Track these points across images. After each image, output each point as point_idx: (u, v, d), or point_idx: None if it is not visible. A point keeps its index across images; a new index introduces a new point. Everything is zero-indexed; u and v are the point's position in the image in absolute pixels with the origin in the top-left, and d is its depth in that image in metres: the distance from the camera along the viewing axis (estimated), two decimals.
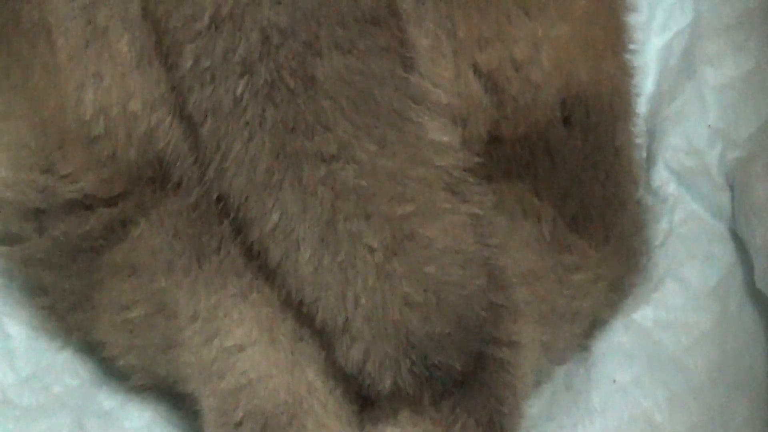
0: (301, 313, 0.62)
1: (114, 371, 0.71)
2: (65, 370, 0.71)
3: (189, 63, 0.63)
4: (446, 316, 0.61)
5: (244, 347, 0.63)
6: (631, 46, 0.74)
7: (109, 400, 0.71)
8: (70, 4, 0.67)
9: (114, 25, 0.66)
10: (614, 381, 0.69)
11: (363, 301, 0.61)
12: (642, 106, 0.77)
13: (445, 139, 0.63)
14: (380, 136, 0.62)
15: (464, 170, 0.63)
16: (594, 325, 0.69)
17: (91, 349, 0.72)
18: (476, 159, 0.64)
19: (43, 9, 0.69)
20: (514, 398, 0.63)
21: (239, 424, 0.63)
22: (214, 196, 0.63)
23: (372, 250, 0.61)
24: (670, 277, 0.70)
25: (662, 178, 0.75)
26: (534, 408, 0.67)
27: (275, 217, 0.62)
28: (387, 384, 0.61)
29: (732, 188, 0.74)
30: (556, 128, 0.67)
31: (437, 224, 0.62)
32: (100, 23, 0.66)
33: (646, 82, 0.79)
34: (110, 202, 0.67)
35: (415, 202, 0.62)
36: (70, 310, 0.70)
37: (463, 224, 0.63)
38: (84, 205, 0.67)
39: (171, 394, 0.69)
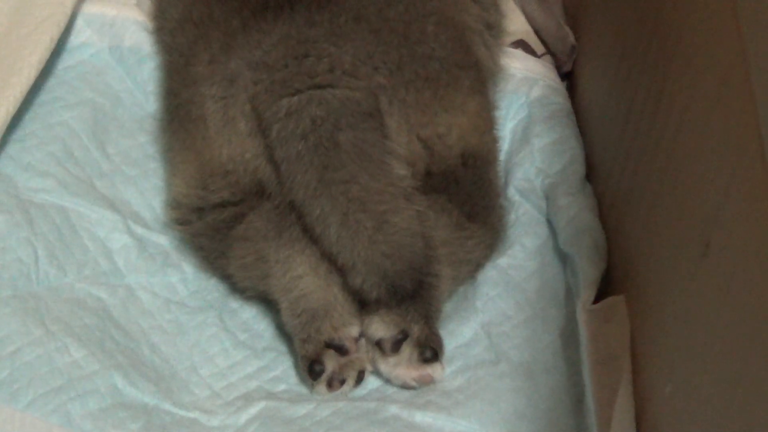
0: (331, 259, 0.82)
1: (237, 288, 0.89)
2: (212, 288, 0.89)
3: (274, 134, 0.82)
4: (404, 261, 0.81)
5: (302, 276, 0.83)
6: (497, 126, 0.94)
7: (235, 302, 0.89)
8: (214, 105, 0.86)
9: (237, 115, 0.85)
10: (487, 294, 0.89)
11: (362, 254, 0.80)
12: (502, 156, 0.97)
13: (403, 172, 0.84)
14: (371, 171, 0.82)
15: (413, 188, 0.84)
16: (478, 267, 0.89)
17: (226, 278, 0.89)
18: (419, 183, 0.85)
19: (201, 107, 0.86)
20: (438, 303, 0.84)
21: (299, 314, 0.83)
22: (287, 201, 0.84)
23: (366, 228, 0.80)
24: (517, 243, 0.91)
25: (512, 193, 0.94)
26: (447, 307, 0.86)
27: (318, 211, 0.81)
28: (373, 296, 0.81)
29: (547, 198, 0.93)
30: (459, 168, 0.87)
31: (399, 215, 0.82)
32: (230, 114, 0.85)
33: (504, 145, 0.97)
34: (235, 203, 0.86)
35: (388, 204, 0.82)
36: (216, 259, 0.88)
37: (411, 216, 0.83)
38: (222, 205, 0.86)
39: (266, 300, 0.87)
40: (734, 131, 0.61)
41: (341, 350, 0.82)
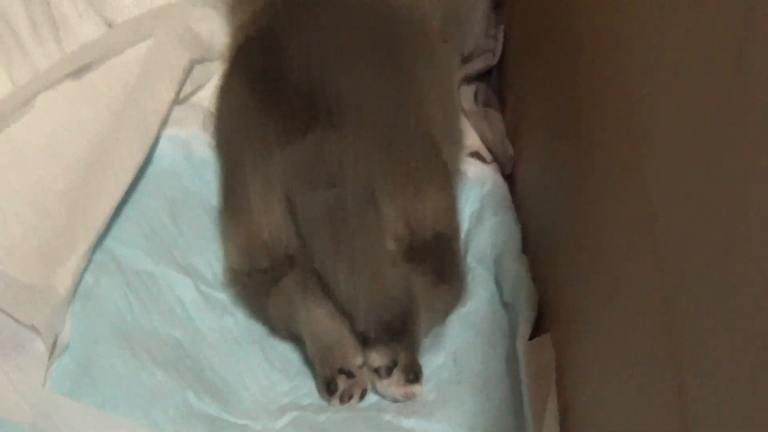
0: (341, 308, 0.80)
1: (275, 329, 0.86)
2: (257, 328, 0.87)
3: (301, 218, 0.81)
4: (393, 310, 0.79)
5: (320, 321, 0.80)
6: (459, 212, 0.91)
7: (273, 339, 0.87)
8: (257, 197, 0.84)
9: (274, 204, 0.83)
10: (453, 333, 0.86)
11: (363, 305, 0.79)
12: (463, 234, 0.93)
13: (392, 245, 0.82)
14: (370, 245, 0.81)
15: (400, 257, 0.82)
16: (446, 314, 0.87)
17: (266, 321, 0.87)
18: (404, 253, 0.83)
19: (248, 199, 0.85)
20: (418, 340, 0.82)
21: (319, 348, 0.81)
22: (311, 267, 0.81)
23: (366, 287, 0.79)
24: (474, 296, 0.89)
25: (470, 260, 0.92)
26: (424, 343, 0.84)
27: (332, 274, 0.79)
28: (371, 335, 0.80)
29: (495, 264, 0.91)
30: (433, 243, 0.84)
31: (390, 277, 0.80)
32: (269, 203, 0.83)
33: (464, 225, 0.94)
34: (273, 269, 0.83)
35: (382, 268, 0.80)
36: (259, 309, 0.86)
37: (399, 277, 0.81)
38: (264, 271, 0.84)
39: (295, 337, 0.85)
40: (628, 212, 0.61)
41: (349, 374, 0.81)
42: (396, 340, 0.80)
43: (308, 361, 0.83)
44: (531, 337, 0.82)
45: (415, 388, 0.80)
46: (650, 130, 0.57)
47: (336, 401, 0.80)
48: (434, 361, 0.84)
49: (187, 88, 1.02)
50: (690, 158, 0.48)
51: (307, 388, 0.83)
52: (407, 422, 0.78)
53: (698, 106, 0.47)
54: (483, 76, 1.10)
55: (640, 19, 0.58)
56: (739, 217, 0.41)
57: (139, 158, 0.91)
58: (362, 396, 0.80)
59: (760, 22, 0.39)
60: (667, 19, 0.54)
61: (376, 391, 0.81)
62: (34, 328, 0.76)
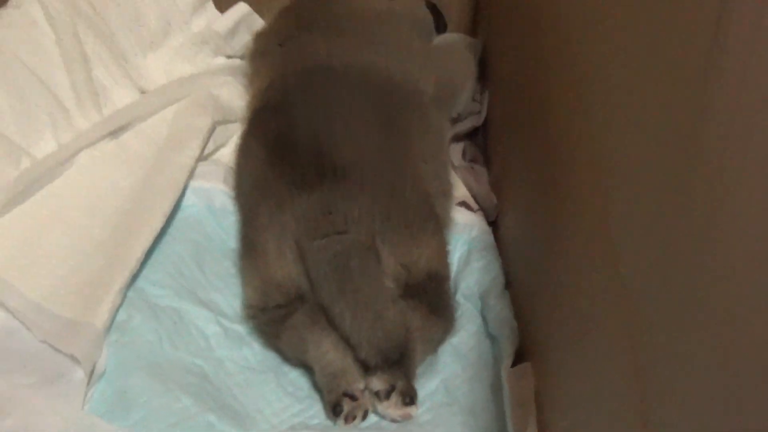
0: (345, 340, 0.79)
1: (286, 358, 0.85)
2: (271, 358, 0.86)
3: (310, 262, 0.81)
4: (392, 342, 0.78)
5: (327, 351, 0.79)
6: (449, 256, 0.90)
7: (286, 367, 0.85)
8: (272, 244, 0.84)
9: (286, 250, 0.83)
10: (444, 361, 0.85)
11: (365, 337, 0.78)
12: (453, 275, 0.92)
13: (390, 285, 0.82)
14: (371, 285, 0.80)
15: (397, 295, 0.82)
16: (438, 345, 0.86)
17: (279, 351, 0.85)
18: (401, 292, 0.83)
19: (264, 245, 0.85)
20: (414, 367, 0.81)
21: (326, 375, 0.79)
22: (318, 304, 0.81)
23: (368, 321, 0.78)
24: (462, 329, 0.88)
25: (459, 297, 0.91)
26: (419, 370, 0.83)
27: (337, 310, 0.79)
28: (372, 363, 0.79)
29: (481, 300, 0.90)
30: (426, 282, 0.84)
31: (389, 312, 0.79)
32: (282, 249, 0.83)
33: (453, 267, 0.93)
34: (286, 306, 0.83)
35: (381, 305, 0.79)
36: (273, 340, 0.85)
37: (396, 313, 0.80)
38: (278, 307, 0.83)
39: (305, 365, 0.83)
40: (596, 258, 0.61)
41: (353, 398, 0.80)
42: (394, 367, 0.79)
43: (316, 386, 0.83)
44: (513, 365, 0.82)
45: (411, 410, 0.79)
46: (614, 187, 0.56)
47: (341, 421, 0.79)
48: (428, 386, 0.83)
49: (210, 147, 1.03)
50: (649, 213, 0.48)
51: (315, 410, 0.82)
52: None
53: (654, 168, 0.47)
54: (470, 135, 1.11)
55: (606, 92, 0.58)
56: (695, 268, 0.41)
57: (167, 208, 0.91)
58: (364, 416, 0.79)
59: (716, 94, 0.39)
60: (628, 95, 0.55)
61: (376, 412, 0.81)
62: (74, 358, 0.76)
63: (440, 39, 1.13)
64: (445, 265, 0.88)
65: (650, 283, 0.48)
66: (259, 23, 1.13)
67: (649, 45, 0.48)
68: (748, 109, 0.35)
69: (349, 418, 0.79)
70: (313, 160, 0.85)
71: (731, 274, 0.37)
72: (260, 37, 1.07)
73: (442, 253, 0.88)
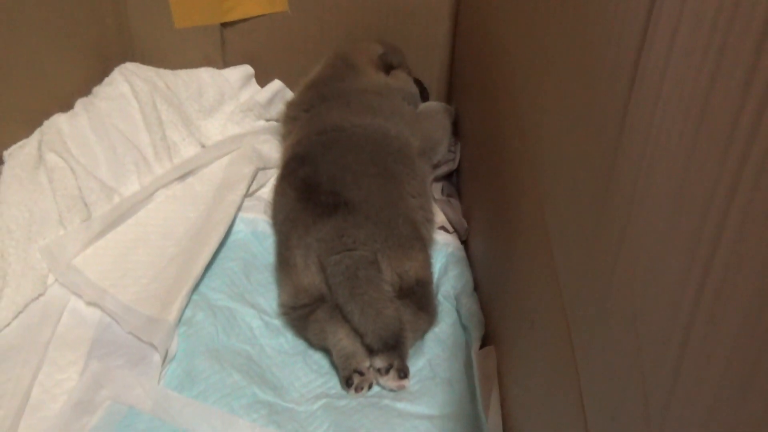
0: (355, 330, 0.77)
1: (311, 344, 0.81)
2: (300, 344, 0.82)
3: (328, 273, 0.79)
4: (390, 331, 0.76)
5: (342, 339, 0.78)
6: (432, 266, 0.86)
7: (311, 350, 0.82)
8: (300, 259, 0.82)
9: (311, 264, 0.81)
10: (428, 345, 0.82)
11: (370, 328, 0.76)
12: (435, 280, 0.89)
13: (388, 289, 0.79)
14: (373, 289, 0.78)
15: (393, 296, 0.80)
16: (424, 333, 0.83)
17: (306, 339, 0.82)
18: (396, 294, 0.79)
19: (294, 260, 0.82)
20: (407, 350, 0.78)
21: (341, 356, 0.77)
22: (335, 303, 0.79)
23: (372, 316, 0.76)
24: (442, 321, 0.85)
25: (440, 297, 0.87)
26: (410, 352, 0.80)
27: (349, 308, 0.77)
28: (375, 348, 0.77)
29: (456, 300, 0.87)
30: (415, 287, 0.82)
31: (388, 309, 0.77)
32: (307, 263, 0.81)
33: (435, 275, 0.90)
34: (311, 305, 0.81)
35: (382, 304, 0.77)
36: (301, 331, 0.82)
37: (393, 309, 0.78)
38: (304, 306, 0.81)
39: (325, 349, 0.81)
40: (540, 270, 0.61)
41: (361, 373, 0.78)
42: (391, 350, 0.77)
43: (334, 365, 0.81)
44: (480, 348, 0.80)
45: (405, 383, 0.78)
46: (552, 215, 0.56)
47: (352, 391, 0.77)
48: (417, 364, 0.81)
49: (254, 187, 1.02)
50: (578, 233, 0.48)
51: (333, 383, 0.80)
52: (400, 405, 0.76)
53: (582, 199, 0.47)
54: (447, 177, 1.08)
55: (545, 145, 0.58)
56: (609, 273, 0.41)
57: (222, 233, 0.90)
58: (369, 388, 0.78)
59: (626, 141, 0.39)
60: (560, 147, 0.55)
61: (379, 384, 0.79)
62: (153, 346, 0.77)
63: (424, 106, 1.11)
64: (429, 274, 0.86)
65: (577, 286, 0.48)
66: (289, 95, 1.12)
67: (576, 109, 0.48)
68: (652, 149, 0.35)
69: (359, 389, 0.77)
70: (329, 198, 0.83)
71: (633, 278, 0.38)
72: (291, 106, 1.07)
73: (427, 265, 0.86)
